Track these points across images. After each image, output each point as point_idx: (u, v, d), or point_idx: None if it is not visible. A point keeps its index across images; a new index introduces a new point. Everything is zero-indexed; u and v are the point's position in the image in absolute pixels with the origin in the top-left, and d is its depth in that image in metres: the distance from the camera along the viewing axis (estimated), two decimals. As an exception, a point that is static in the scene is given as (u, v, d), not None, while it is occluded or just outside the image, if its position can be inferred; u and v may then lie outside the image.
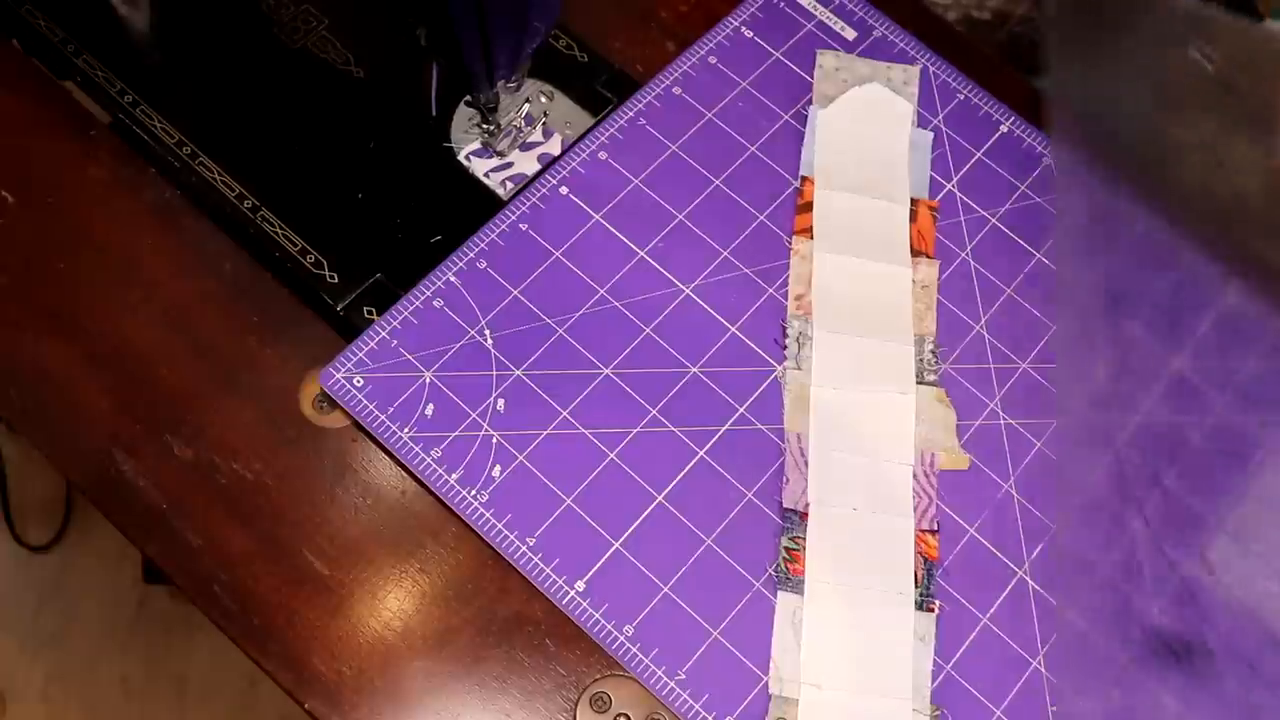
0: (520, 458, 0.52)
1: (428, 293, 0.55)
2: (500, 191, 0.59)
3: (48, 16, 0.60)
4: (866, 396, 0.55)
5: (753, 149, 0.60)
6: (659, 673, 0.49)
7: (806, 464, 0.53)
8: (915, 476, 0.54)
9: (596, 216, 0.57)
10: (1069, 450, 0.51)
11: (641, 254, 0.57)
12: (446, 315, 0.54)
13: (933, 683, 0.50)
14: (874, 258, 0.58)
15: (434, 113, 0.60)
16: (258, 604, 0.50)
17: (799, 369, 0.55)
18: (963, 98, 0.63)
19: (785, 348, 0.56)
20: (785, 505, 0.52)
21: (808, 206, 0.59)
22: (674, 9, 0.64)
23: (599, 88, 0.62)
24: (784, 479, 0.53)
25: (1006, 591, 0.52)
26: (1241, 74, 0.50)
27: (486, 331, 0.54)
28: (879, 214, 0.59)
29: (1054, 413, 0.56)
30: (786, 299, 0.57)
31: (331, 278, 0.56)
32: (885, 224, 0.59)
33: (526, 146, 0.60)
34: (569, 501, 0.51)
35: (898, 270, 0.58)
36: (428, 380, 0.53)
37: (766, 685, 0.49)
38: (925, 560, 0.52)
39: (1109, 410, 0.53)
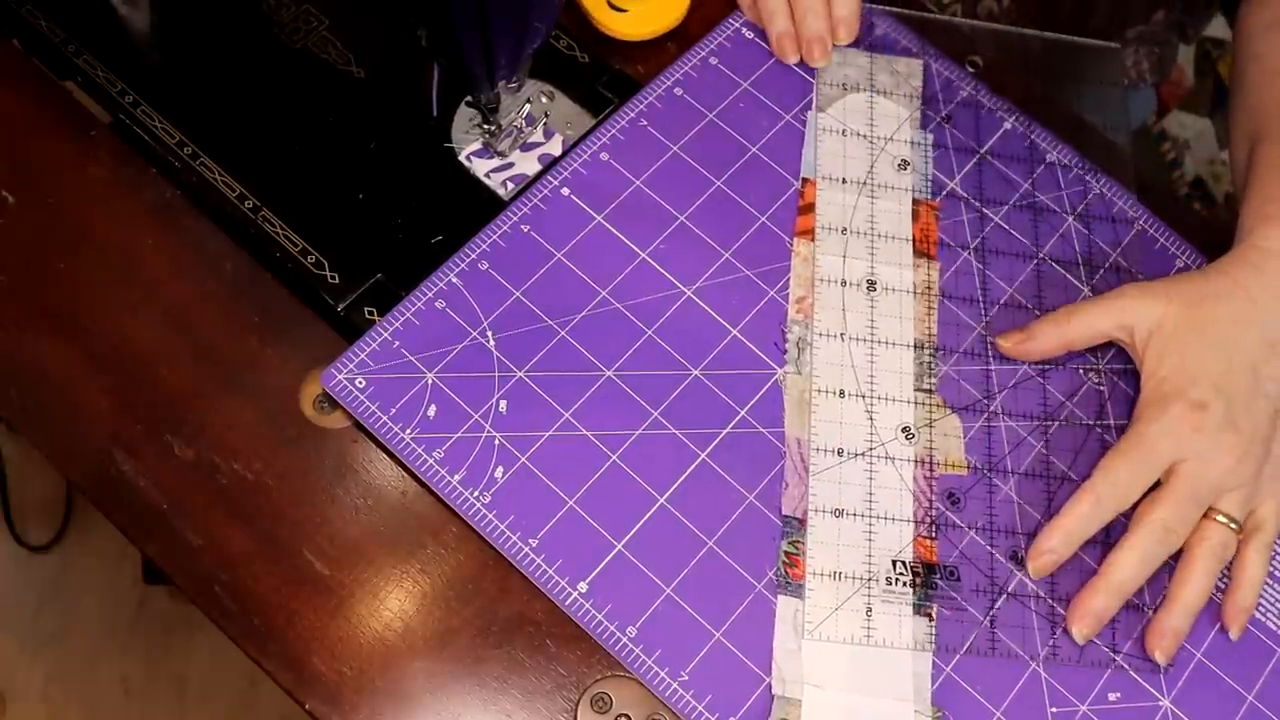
0: (523, 459, 0.52)
1: (429, 293, 0.55)
2: (501, 192, 0.59)
3: (48, 16, 0.60)
4: (866, 401, 0.55)
5: (754, 149, 0.60)
6: (662, 674, 0.49)
7: (806, 469, 0.53)
8: (915, 480, 0.54)
9: (598, 218, 0.57)
10: None
11: (643, 255, 0.57)
12: (448, 316, 0.54)
13: (933, 684, 0.50)
14: (875, 260, 0.58)
15: (435, 113, 0.60)
16: (258, 604, 0.50)
17: (799, 373, 0.55)
18: (966, 94, 0.63)
19: (785, 351, 0.56)
20: (785, 511, 0.52)
21: (809, 208, 0.59)
22: (675, 9, 0.64)
23: (600, 88, 0.61)
24: (783, 484, 0.53)
25: (1006, 593, 0.52)
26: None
27: (489, 333, 0.54)
28: (880, 215, 0.59)
29: (1055, 414, 0.56)
30: (787, 301, 0.57)
31: (332, 278, 0.56)
32: (886, 226, 0.59)
33: (527, 147, 0.60)
34: (571, 503, 0.51)
35: (899, 272, 0.58)
36: (430, 381, 0.53)
37: (769, 686, 0.49)
38: (924, 564, 0.52)
39: None
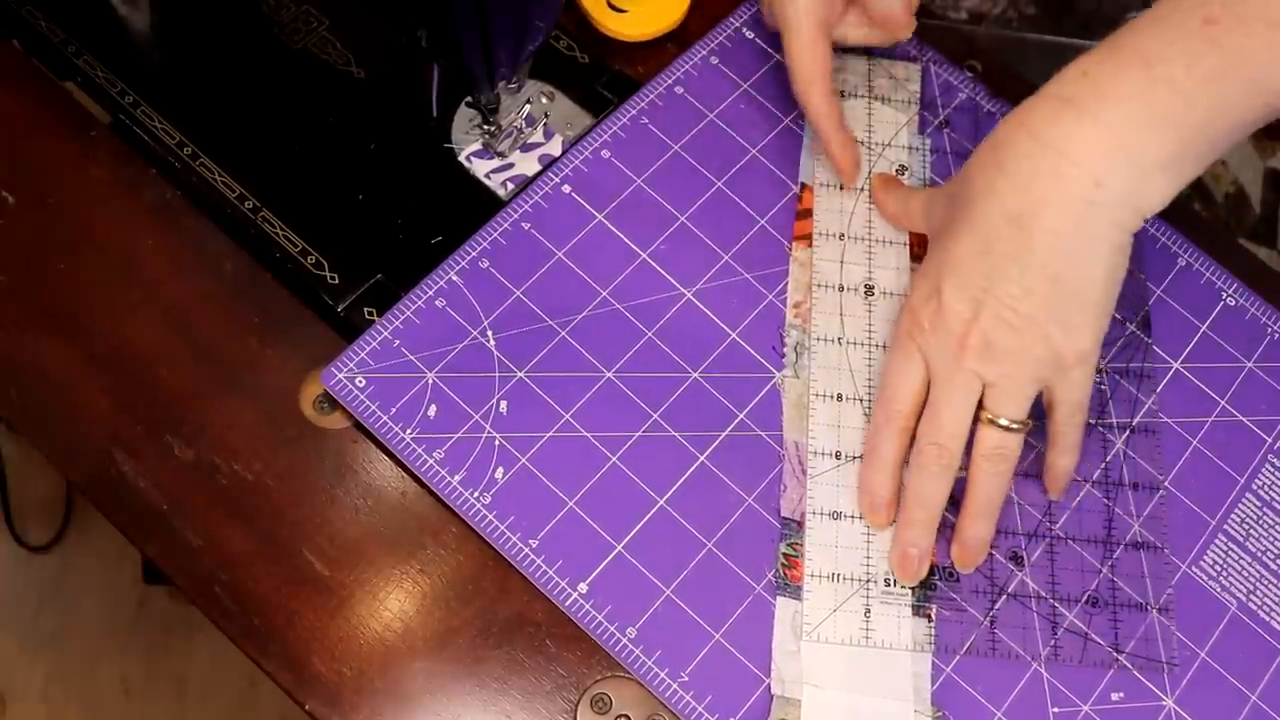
0: (523, 460, 0.52)
1: (430, 291, 0.55)
2: (501, 192, 0.59)
3: (48, 17, 0.60)
4: (864, 404, 0.55)
5: (754, 151, 0.60)
6: (662, 675, 0.49)
7: (804, 472, 0.53)
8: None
9: (599, 216, 0.57)
10: None
11: (643, 255, 0.57)
12: (449, 315, 0.54)
13: (933, 685, 0.50)
14: (873, 264, 0.58)
15: (435, 114, 0.60)
16: (258, 604, 0.50)
17: (797, 377, 0.55)
18: (964, 98, 0.63)
19: (784, 355, 0.56)
20: (783, 513, 0.52)
21: (807, 214, 0.59)
22: (675, 9, 0.64)
23: (600, 88, 0.61)
24: (781, 486, 0.53)
25: (1006, 594, 0.52)
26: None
27: (489, 332, 0.54)
28: (878, 220, 0.59)
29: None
30: (785, 305, 0.57)
31: (332, 278, 0.56)
32: (884, 231, 0.58)
33: (527, 147, 0.60)
34: (571, 504, 0.51)
35: (897, 277, 0.58)
36: (430, 381, 0.53)
37: (769, 687, 0.49)
38: (926, 562, 0.52)
39: None
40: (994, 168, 0.49)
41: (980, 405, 0.50)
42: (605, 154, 0.59)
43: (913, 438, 0.51)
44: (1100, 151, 0.47)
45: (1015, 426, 0.49)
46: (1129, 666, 0.51)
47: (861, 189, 0.59)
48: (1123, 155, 0.47)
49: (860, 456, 0.53)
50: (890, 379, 0.51)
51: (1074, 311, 0.48)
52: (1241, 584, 0.54)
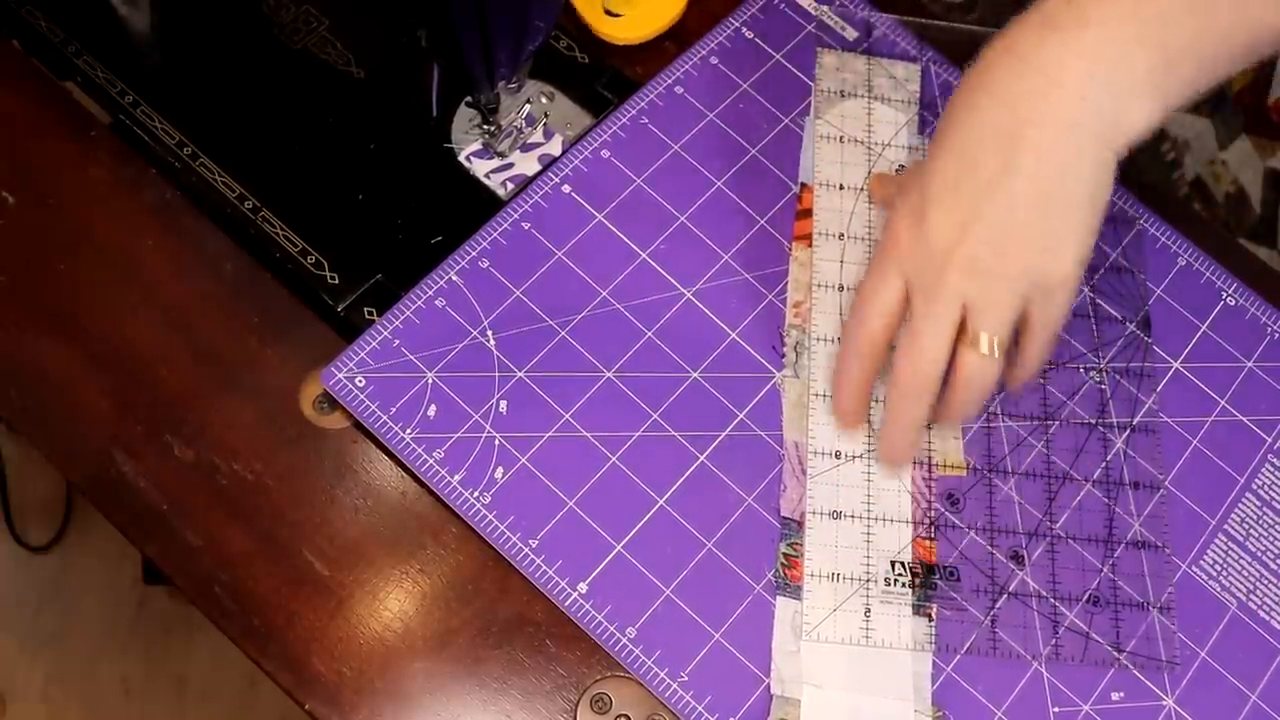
0: (523, 460, 0.52)
1: (430, 291, 0.55)
2: (501, 192, 0.59)
3: (48, 17, 0.60)
4: (868, 398, 0.55)
5: (754, 151, 0.60)
6: (662, 674, 0.49)
7: (804, 472, 0.53)
8: (914, 481, 0.54)
9: (599, 216, 0.57)
10: None
11: (643, 255, 0.57)
12: (449, 315, 0.54)
13: (933, 684, 0.50)
14: (875, 260, 0.58)
15: (435, 114, 0.60)
16: (258, 604, 0.50)
17: (796, 377, 0.55)
18: (964, 98, 0.63)
19: (784, 355, 0.56)
20: (783, 513, 0.52)
21: (807, 213, 0.59)
22: (675, 9, 0.64)
23: (599, 88, 0.61)
24: (781, 486, 0.53)
25: (1007, 593, 0.52)
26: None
27: (489, 332, 0.54)
28: (877, 221, 0.59)
29: (1056, 414, 0.56)
30: (785, 305, 0.57)
31: (332, 278, 0.56)
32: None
33: (527, 147, 0.60)
34: (571, 504, 0.51)
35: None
36: (430, 381, 0.53)
37: (768, 686, 0.49)
38: (923, 564, 0.52)
39: None
40: (980, 89, 0.49)
41: (961, 330, 0.49)
42: (605, 154, 0.59)
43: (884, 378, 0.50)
44: (1084, 73, 0.47)
45: (994, 354, 0.48)
46: (1129, 666, 0.51)
47: (861, 189, 0.59)
48: (1106, 74, 0.47)
49: (861, 455, 0.53)
50: (865, 299, 0.50)
51: (1058, 230, 0.48)
52: (1241, 583, 0.54)
